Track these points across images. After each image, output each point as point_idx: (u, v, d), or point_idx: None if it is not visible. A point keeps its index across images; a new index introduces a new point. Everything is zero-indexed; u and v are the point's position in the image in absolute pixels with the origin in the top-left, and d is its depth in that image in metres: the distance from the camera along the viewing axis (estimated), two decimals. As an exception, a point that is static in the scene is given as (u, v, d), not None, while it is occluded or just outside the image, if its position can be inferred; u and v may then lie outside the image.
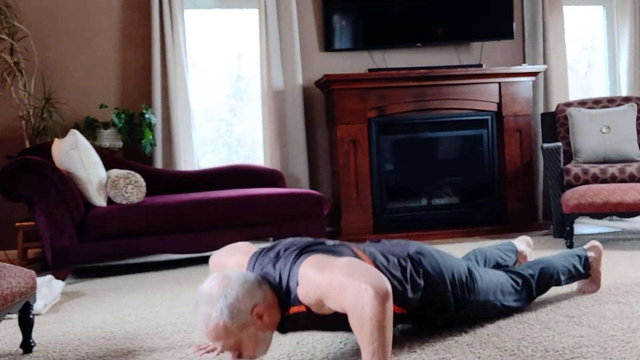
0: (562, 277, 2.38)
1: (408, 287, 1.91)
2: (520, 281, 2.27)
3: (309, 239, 1.93)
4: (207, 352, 2.02)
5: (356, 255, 1.85)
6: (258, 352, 1.76)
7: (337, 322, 1.76)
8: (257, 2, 4.65)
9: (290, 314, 1.79)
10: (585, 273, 2.47)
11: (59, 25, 4.49)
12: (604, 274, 2.69)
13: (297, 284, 1.73)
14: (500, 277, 2.24)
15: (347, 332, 1.95)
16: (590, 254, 2.50)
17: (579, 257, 2.47)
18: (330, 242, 1.90)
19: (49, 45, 4.44)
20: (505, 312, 2.23)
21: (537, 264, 2.36)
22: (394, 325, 1.93)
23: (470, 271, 2.12)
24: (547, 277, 2.33)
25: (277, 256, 1.85)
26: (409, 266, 1.95)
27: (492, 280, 2.18)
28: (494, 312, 2.19)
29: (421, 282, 1.96)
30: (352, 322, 1.56)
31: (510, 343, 1.95)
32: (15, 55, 4.18)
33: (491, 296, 2.16)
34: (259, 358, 1.79)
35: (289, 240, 1.92)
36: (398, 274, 1.90)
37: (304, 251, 1.79)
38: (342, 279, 1.60)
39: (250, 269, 1.90)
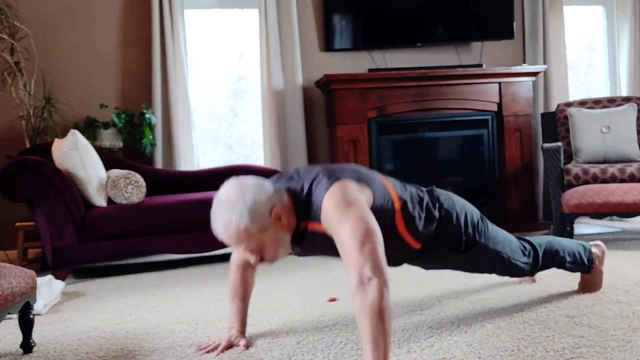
0: (567, 258, 2.40)
1: (423, 216, 2.00)
2: (528, 246, 2.33)
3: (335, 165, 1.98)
4: (207, 352, 2.02)
5: (383, 184, 1.92)
6: (279, 252, 1.83)
7: None
8: (257, 2, 4.65)
9: (310, 231, 1.83)
10: (588, 266, 2.48)
11: (59, 25, 4.49)
12: (604, 273, 2.69)
13: (322, 201, 1.74)
14: (510, 236, 2.31)
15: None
16: (594, 250, 2.52)
17: (584, 247, 2.49)
18: (360, 168, 1.95)
19: (49, 45, 4.44)
20: (511, 268, 2.27)
21: (545, 237, 2.43)
22: (410, 261, 2.14)
23: (482, 217, 2.21)
24: (553, 252, 2.37)
25: (299, 172, 1.91)
26: (426, 198, 2.05)
27: (502, 234, 2.27)
28: (500, 264, 2.23)
29: (436, 213, 2.05)
30: (353, 303, 1.57)
31: (510, 343, 1.95)
32: (15, 55, 4.18)
33: (499, 247, 2.21)
34: (283, 256, 1.86)
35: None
36: (416, 204, 1.99)
37: (336, 172, 1.81)
38: (353, 246, 1.61)
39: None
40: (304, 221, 1.84)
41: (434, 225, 2.05)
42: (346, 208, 1.69)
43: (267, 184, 1.82)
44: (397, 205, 1.94)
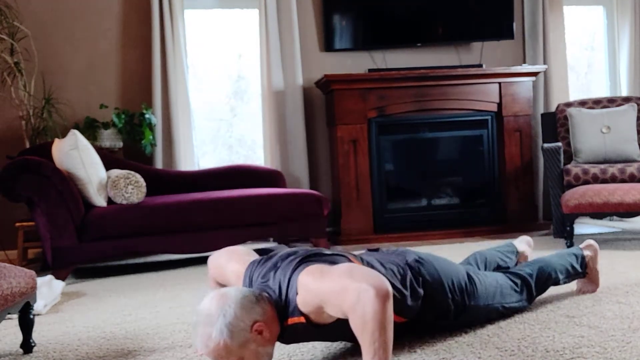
0: (561, 276, 2.38)
1: (407, 295, 1.91)
2: (519, 282, 2.27)
3: (307, 248, 1.92)
4: (206, 355, 2.01)
5: (351, 261, 1.84)
6: None
7: (337, 330, 1.77)
8: (257, 2, 4.65)
9: (290, 325, 1.78)
10: (583, 272, 2.48)
11: (59, 25, 4.49)
12: (604, 274, 2.69)
13: (297, 294, 1.72)
14: (500, 279, 2.24)
15: (347, 341, 1.95)
16: (587, 252, 2.51)
17: (576, 256, 2.47)
18: (328, 252, 1.89)
19: (49, 46, 4.44)
20: (507, 313, 2.23)
21: (535, 263, 2.37)
22: (395, 334, 1.91)
23: (469, 277, 2.12)
24: (545, 276, 2.33)
25: (275, 266, 1.84)
26: (409, 275, 1.95)
27: (491, 284, 2.18)
28: (496, 314, 2.19)
29: (421, 290, 1.95)
30: (353, 322, 1.56)
31: (511, 343, 1.95)
32: (15, 55, 4.18)
33: (491, 299, 2.16)
34: None
35: (287, 250, 1.92)
36: (397, 282, 1.89)
37: (303, 261, 1.79)
38: (342, 281, 1.60)
39: (247, 280, 1.89)
40: (284, 321, 1.79)
41: (419, 301, 1.95)
42: (320, 278, 1.67)
43: (250, 297, 1.73)
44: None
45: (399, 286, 1.89)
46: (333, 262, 1.79)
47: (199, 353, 1.85)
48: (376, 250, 2.12)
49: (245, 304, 1.70)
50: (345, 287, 1.58)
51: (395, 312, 1.85)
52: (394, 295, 1.81)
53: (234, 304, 1.69)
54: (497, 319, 2.20)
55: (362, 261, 1.90)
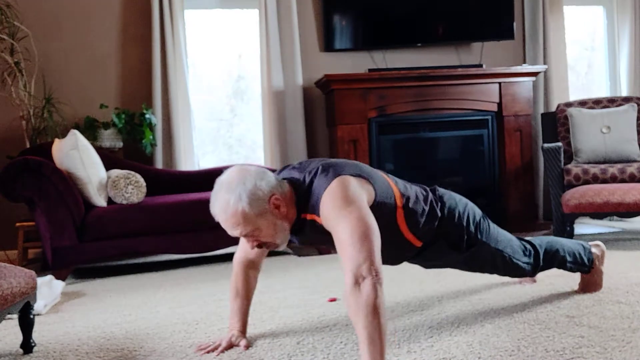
0: (568, 258, 2.40)
1: (426, 212, 2.01)
2: (529, 246, 2.33)
3: (345, 160, 1.97)
4: (208, 352, 2.02)
5: (385, 180, 1.93)
6: (277, 239, 1.84)
7: None
8: (257, 2, 4.65)
9: (308, 220, 1.84)
10: (588, 266, 2.49)
11: (59, 25, 4.49)
12: (604, 274, 2.69)
13: (322, 195, 1.75)
14: (512, 236, 2.31)
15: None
16: (594, 250, 2.52)
17: (584, 248, 2.49)
18: (365, 166, 1.95)
19: (49, 46, 4.44)
20: (512, 268, 2.27)
21: (545, 238, 2.43)
22: (410, 260, 2.15)
23: (484, 216, 2.22)
24: (553, 251, 2.37)
25: (303, 165, 1.92)
26: (430, 196, 2.06)
27: (504, 234, 2.27)
28: (501, 261, 2.24)
29: (439, 212, 2.05)
30: (348, 302, 1.59)
31: (511, 343, 1.95)
32: (15, 55, 4.18)
33: (501, 245, 2.22)
34: (280, 246, 1.87)
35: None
36: (419, 203, 2.00)
37: (337, 167, 1.81)
38: (350, 244, 1.62)
39: (277, 173, 1.97)
40: (303, 212, 1.85)
41: (435, 223, 2.05)
42: (345, 206, 1.69)
43: (270, 173, 1.84)
44: (399, 202, 1.94)
45: (421, 204, 2.00)
46: (369, 176, 1.83)
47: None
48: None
49: (265, 177, 1.80)
50: (349, 254, 1.62)
51: (412, 231, 1.98)
52: (413, 213, 1.96)
53: (255, 174, 1.79)
54: (503, 268, 2.26)
55: (391, 179, 1.99)
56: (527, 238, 2.40)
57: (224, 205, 1.75)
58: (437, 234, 2.06)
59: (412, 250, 2.06)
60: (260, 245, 1.85)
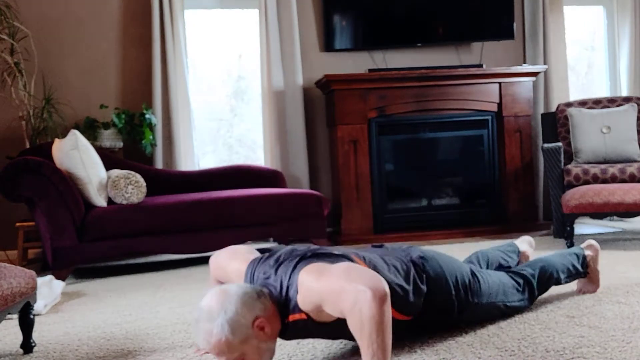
0: (562, 276, 2.39)
1: (410, 291, 1.90)
2: (521, 281, 2.28)
3: (310, 246, 1.93)
4: (207, 352, 2.01)
5: (354, 262, 1.82)
6: (263, 358, 1.74)
7: (337, 329, 1.76)
8: (257, 2, 4.65)
9: (290, 322, 1.78)
10: (584, 272, 2.48)
11: (59, 25, 4.49)
12: (604, 274, 2.69)
13: (297, 292, 1.72)
14: (502, 277, 2.24)
15: (348, 339, 1.93)
16: (588, 252, 2.52)
17: (577, 255, 2.48)
18: (330, 250, 1.89)
19: (49, 46, 4.44)
20: (510, 312, 2.23)
21: (536, 263, 2.37)
22: (397, 332, 1.91)
23: (473, 274, 2.12)
24: (547, 276, 2.34)
25: (277, 263, 1.83)
26: (412, 271, 1.94)
27: (494, 282, 2.18)
28: (498, 312, 2.19)
29: (424, 287, 1.95)
30: (351, 323, 1.56)
31: (511, 343, 1.94)
32: (15, 55, 4.18)
33: (494, 297, 2.16)
34: None
35: (289, 247, 1.91)
36: (400, 279, 1.89)
37: (303, 259, 1.78)
38: (340, 283, 1.60)
39: (249, 277, 1.88)
40: (286, 317, 1.79)
41: (422, 298, 1.95)
42: (319, 277, 1.67)
43: (251, 293, 1.74)
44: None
45: (402, 283, 1.89)
46: (333, 260, 1.78)
47: (201, 352, 1.86)
48: (380, 246, 2.12)
49: (246, 300, 1.71)
50: (343, 288, 1.58)
51: (398, 309, 1.87)
52: (396, 292, 1.83)
53: (235, 300, 1.69)
54: (499, 318, 2.20)
55: (365, 259, 1.89)
56: (519, 268, 2.33)
57: (207, 336, 1.69)
58: (425, 307, 1.97)
59: (402, 325, 1.94)
60: None
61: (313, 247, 1.91)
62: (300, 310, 1.74)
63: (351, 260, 1.82)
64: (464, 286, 2.05)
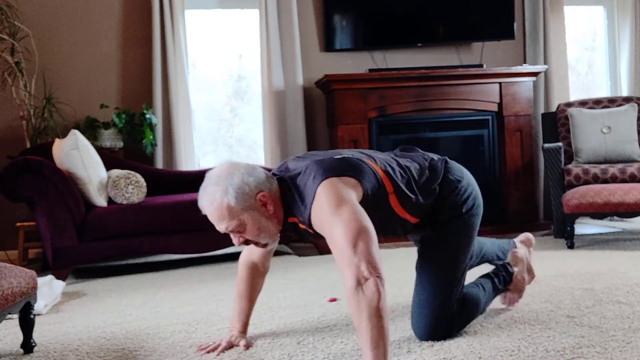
0: (486, 306, 2.25)
1: (420, 190, 1.97)
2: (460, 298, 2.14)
3: (335, 154, 1.94)
4: (208, 352, 2.02)
5: (373, 171, 1.86)
6: (261, 237, 1.84)
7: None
8: (257, 2, 4.65)
9: (290, 223, 1.87)
10: (504, 286, 2.33)
11: (59, 25, 4.49)
12: (605, 274, 2.69)
13: (312, 203, 1.75)
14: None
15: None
16: (519, 251, 2.41)
17: (500, 279, 2.32)
18: (350, 153, 1.94)
19: (49, 46, 4.44)
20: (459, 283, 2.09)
21: (468, 294, 2.16)
22: (411, 234, 2.10)
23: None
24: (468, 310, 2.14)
25: (290, 165, 1.92)
26: (426, 172, 2.01)
27: (479, 247, 2.21)
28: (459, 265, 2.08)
29: (436, 187, 2.01)
30: (351, 303, 1.58)
31: (511, 343, 1.94)
32: (16, 55, 4.18)
33: (470, 245, 2.10)
34: (268, 247, 1.88)
35: (318, 156, 1.93)
36: (411, 182, 1.94)
37: (323, 168, 1.79)
38: (346, 249, 1.61)
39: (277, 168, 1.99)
40: (289, 216, 1.86)
41: (431, 199, 1.99)
42: (335, 210, 1.68)
43: (260, 170, 1.85)
44: (389, 188, 1.90)
45: (413, 184, 1.95)
46: (350, 172, 1.79)
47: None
48: (410, 149, 2.16)
49: (253, 173, 1.82)
50: (347, 258, 1.60)
51: (407, 212, 1.95)
52: (405, 196, 1.91)
53: (243, 170, 1.82)
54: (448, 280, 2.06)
55: (377, 162, 1.92)
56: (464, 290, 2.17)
57: (211, 198, 1.78)
58: (433, 209, 2.01)
59: (410, 225, 2.01)
60: (246, 242, 1.86)
61: (338, 154, 1.92)
62: (308, 221, 1.78)
63: (367, 165, 1.86)
64: (474, 201, 2.08)
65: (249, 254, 2.12)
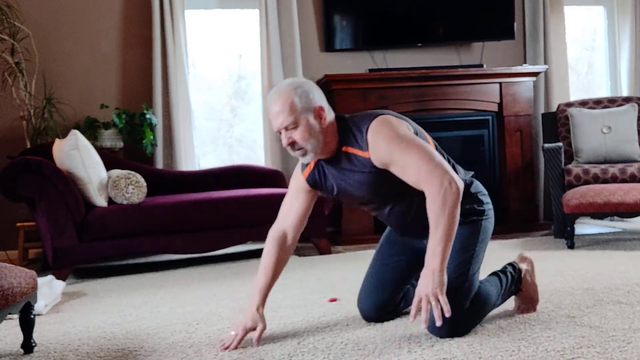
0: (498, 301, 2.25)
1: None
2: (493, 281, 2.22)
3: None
4: (228, 347, 2.01)
5: (425, 136, 2.14)
6: (308, 143, 2.02)
7: (373, 189, 2.09)
8: (257, 2, 4.65)
9: (348, 152, 2.06)
10: (517, 288, 2.30)
11: (60, 25, 4.49)
12: (605, 274, 2.69)
13: (367, 132, 2.00)
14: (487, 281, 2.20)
15: (359, 205, 2.29)
16: (523, 266, 2.34)
17: (511, 273, 2.30)
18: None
19: (50, 46, 4.44)
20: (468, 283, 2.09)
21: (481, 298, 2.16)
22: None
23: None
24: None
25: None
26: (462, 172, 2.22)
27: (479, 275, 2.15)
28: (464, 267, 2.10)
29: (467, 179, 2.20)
30: (432, 204, 1.88)
31: (511, 343, 1.94)
32: (16, 55, 4.18)
33: (478, 258, 2.13)
34: (307, 157, 2.06)
35: None
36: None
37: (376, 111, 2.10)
38: (430, 164, 1.92)
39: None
40: (345, 146, 2.06)
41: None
42: (400, 139, 1.97)
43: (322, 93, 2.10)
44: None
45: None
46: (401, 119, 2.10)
47: (269, 105, 2.04)
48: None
49: (320, 93, 2.07)
50: (432, 171, 1.90)
51: None
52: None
53: (315, 86, 2.08)
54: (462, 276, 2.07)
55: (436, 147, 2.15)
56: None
57: (281, 89, 2.02)
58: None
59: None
60: (292, 145, 2.03)
61: None
62: (361, 148, 2.02)
63: (419, 128, 2.14)
64: (488, 210, 2.23)
65: (281, 223, 2.22)
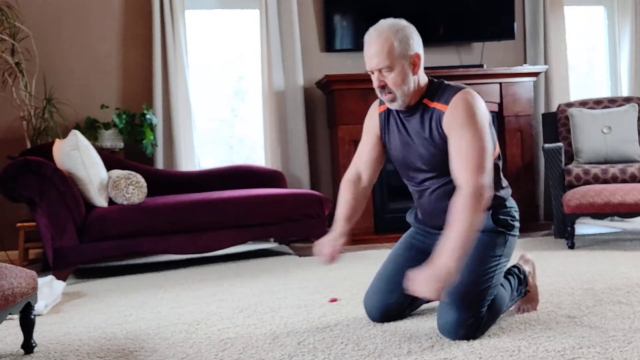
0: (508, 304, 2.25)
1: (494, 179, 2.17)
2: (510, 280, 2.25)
3: None
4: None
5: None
6: (399, 89, 2.02)
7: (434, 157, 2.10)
8: (257, 2, 4.65)
9: (429, 106, 2.06)
10: (525, 291, 2.31)
11: (60, 25, 4.49)
12: (606, 274, 2.69)
13: (458, 92, 2.01)
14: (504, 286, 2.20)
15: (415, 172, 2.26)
16: (526, 268, 2.35)
17: (519, 284, 2.30)
18: None
19: (50, 46, 4.45)
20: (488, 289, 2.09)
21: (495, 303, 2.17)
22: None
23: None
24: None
25: None
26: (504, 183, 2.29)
27: (499, 282, 2.15)
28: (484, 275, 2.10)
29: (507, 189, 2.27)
30: (461, 201, 1.90)
31: (512, 343, 1.94)
32: (16, 55, 4.18)
33: (498, 273, 2.12)
34: (395, 103, 2.06)
35: None
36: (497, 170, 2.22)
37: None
38: (473, 158, 1.93)
39: None
40: (427, 99, 2.07)
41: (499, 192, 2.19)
42: (474, 119, 1.96)
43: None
44: (495, 152, 2.13)
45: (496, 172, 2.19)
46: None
47: (368, 44, 2.06)
48: None
49: (419, 36, 2.07)
50: (478, 170, 1.93)
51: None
52: (496, 168, 2.18)
53: (416, 33, 2.07)
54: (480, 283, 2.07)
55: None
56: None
57: (382, 30, 2.02)
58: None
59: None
60: (382, 87, 2.04)
61: None
62: (445, 102, 2.02)
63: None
64: (514, 230, 2.21)
65: (355, 169, 2.28)
